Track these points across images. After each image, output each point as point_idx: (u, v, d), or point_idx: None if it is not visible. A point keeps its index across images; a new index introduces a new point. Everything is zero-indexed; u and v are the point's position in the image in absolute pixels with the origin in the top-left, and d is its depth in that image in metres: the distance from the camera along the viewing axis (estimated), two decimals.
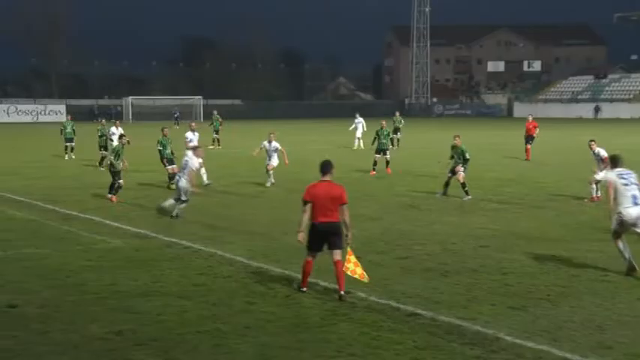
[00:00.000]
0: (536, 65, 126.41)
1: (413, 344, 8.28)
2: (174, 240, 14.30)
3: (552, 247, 13.45)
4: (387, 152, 27.57)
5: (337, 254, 10.15)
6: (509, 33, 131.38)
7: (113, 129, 29.90)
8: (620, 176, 11.59)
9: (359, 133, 40.33)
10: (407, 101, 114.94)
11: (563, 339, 8.42)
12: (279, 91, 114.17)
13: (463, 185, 19.82)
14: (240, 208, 18.58)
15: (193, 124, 26.78)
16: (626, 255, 11.37)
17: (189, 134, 25.33)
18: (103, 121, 31.94)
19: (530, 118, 35.19)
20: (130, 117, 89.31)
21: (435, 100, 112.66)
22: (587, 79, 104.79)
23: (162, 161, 22.98)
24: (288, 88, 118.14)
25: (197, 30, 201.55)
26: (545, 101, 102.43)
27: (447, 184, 20.31)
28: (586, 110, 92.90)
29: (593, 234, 14.81)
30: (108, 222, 16.46)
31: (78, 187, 23.23)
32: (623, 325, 8.95)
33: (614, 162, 12.10)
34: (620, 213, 11.31)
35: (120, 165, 20.15)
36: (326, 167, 10.49)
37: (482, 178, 24.84)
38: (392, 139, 40.64)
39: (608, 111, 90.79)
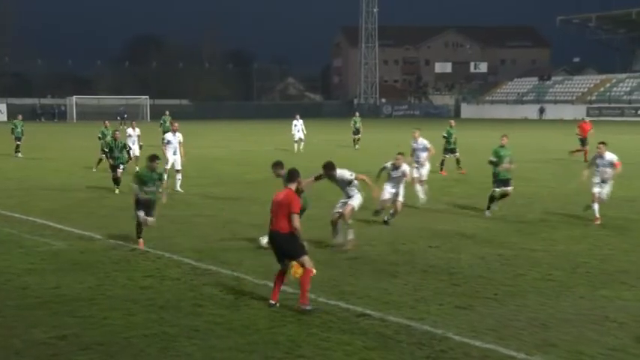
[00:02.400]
0: (483, 67, 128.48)
1: (362, 345, 8.32)
2: (120, 242, 14.09)
3: (499, 247, 13.68)
4: (457, 151, 27.27)
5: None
6: (456, 34, 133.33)
7: (130, 130, 28.21)
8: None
9: (297, 137, 38.90)
10: (356, 101, 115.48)
11: (509, 337, 8.56)
12: (227, 91, 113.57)
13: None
14: (189, 210, 18.41)
15: (176, 124, 26.54)
16: None
17: (168, 135, 24.63)
18: (107, 122, 29.43)
19: (587, 120, 34.89)
20: (74, 116, 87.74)
21: (383, 100, 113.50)
22: (532, 81, 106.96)
23: (110, 162, 22.08)
24: (237, 88, 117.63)
25: (143, 28, 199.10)
26: (492, 102, 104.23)
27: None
28: (531, 111, 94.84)
29: (539, 233, 15.10)
30: (51, 224, 16.13)
31: (22, 189, 22.72)
32: (566, 322, 9.15)
33: None
34: None
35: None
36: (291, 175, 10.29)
37: (431, 179, 25.07)
38: (353, 140, 41.01)
39: (552, 112, 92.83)
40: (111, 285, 10.98)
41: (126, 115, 70.32)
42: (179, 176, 21.70)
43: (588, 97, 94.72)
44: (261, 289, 10.64)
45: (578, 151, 32.44)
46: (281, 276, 9.88)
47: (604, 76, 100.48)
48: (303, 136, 38.43)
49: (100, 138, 28.18)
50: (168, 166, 22.02)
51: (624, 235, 14.77)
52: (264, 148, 41.91)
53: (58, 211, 18.09)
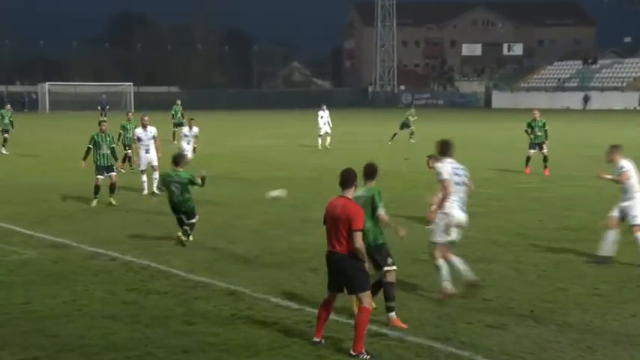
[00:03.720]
0: (518, 49, 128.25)
1: None
2: (99, 250, 14.13)
3: (536, 256, 13.64)
4: (544, 146, 26.46)
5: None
6: (486, 11, 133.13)
7: (185, 130, 27.05)
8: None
9: (323, 130, 38.01)
10: (370, 89, 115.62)
11: None
12: (222, 77, 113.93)
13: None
14: None
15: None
16: None
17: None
18: (130, 114, 28.61)
19: None
20: (47, 106, 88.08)
21: (402, 88, 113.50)
22: (575, 65, 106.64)
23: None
24: (234, 73, 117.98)
25: (126, 5, 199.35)
26: (528, 89, 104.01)
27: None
28: (574, 100, 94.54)
29: (584, 241, 15.05)
30: (20, 229, 16.20)
31: None
32: (615, 345, 9.12)
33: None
34: None
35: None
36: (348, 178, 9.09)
37: None
38: (394, 134, 40.81)
39: (598, 101, 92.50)
40: (88, 300, 11.01)
41: (108, 106, 70.42)
42: (156, 175, 21.45)
43: None
44: (261, 304, 10.64)
45: None
46: (327, 306, 9.20)
47: None
48: (329, 130, 38.11)
49: (120, 135, 26.71)
50: (143, 167, 21.96)
51: None
52: (265, 142, 41.95)
53: (27, 215, 18.14)
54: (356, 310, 9.15)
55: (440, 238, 11.12)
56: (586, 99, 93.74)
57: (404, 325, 9.71)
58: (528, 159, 26.69)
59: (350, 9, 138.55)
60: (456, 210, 11.02)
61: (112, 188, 19.76)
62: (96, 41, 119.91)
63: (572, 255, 13.79)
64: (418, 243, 14.72)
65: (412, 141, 40.06)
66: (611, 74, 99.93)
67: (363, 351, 8.72)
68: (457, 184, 11.09)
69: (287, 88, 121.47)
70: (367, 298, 8.90)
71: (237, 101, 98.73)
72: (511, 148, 35.42)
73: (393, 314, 9.90)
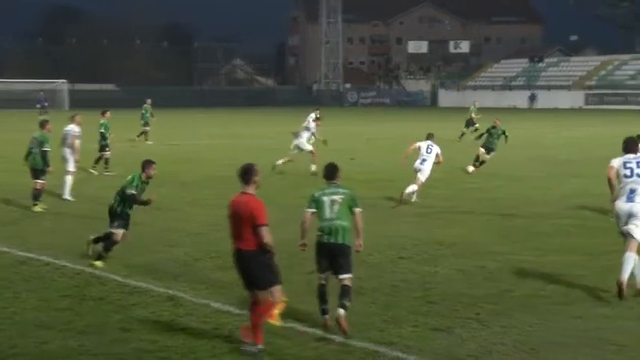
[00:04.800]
0: (464, 46, 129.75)
1: None
2: (31, 255, 13.93)
3: (482, 258, 13.84)
4: (492, 154, 27.23)
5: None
6: (433, 8, 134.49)
7: (309, 124, 26.88)
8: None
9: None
10: (315, 87, 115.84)
11: None
12: (162, 74, 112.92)
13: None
14: None
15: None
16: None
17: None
18: (108, 113, 27.91)
19: None
20: None
21: (348, 86, 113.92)
22: (522, 63, 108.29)
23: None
24: (174, 70, 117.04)
25: None
26: (475, 88, 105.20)
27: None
28: (520, 98, 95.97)
29: (528, 241, 15.32)
30: None
31: None
32: (559, 346, 9.30)
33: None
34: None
35: None
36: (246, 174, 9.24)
37: (403, 179, 25.28)
38: (463, 133, 40.35)
39: (545, 99, 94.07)
40: (20, 307, 10.85)
41: (46, 104, 69.19)
42: (69, 179, 20.66)
43: (587, 82, 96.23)
44: (201, 310, 10.62)
45: None
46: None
47: (605, 58, 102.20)
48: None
49: (102, 134, 26.80)
50: (72, 169, 21.02)
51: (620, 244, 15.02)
52: (206, 142, 41.75)
53: None
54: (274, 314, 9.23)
55: None
56: (532, 98, 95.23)
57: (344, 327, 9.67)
58: (478, 158, 27.15)
59: (293, 4, 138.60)
60: None
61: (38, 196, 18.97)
62: (28, 35, 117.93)
63: (518, 256, 14.02)
64: (366, 244, 14.82)
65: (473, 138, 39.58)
66: (557, 73, 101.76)
67: (259, 344, 8.96)
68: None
69: (229, 86, 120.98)
70: (275, 293, 9.08)
71: (178, 99, 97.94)
72: (458, 148, 35.82)
73: (327, 316, 9.89)
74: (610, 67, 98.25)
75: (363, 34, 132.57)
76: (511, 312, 10.64)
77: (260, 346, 9.00)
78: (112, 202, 13.70)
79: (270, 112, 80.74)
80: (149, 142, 38.91)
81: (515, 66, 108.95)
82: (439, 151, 20.61)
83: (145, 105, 41.37)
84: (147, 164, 13.70)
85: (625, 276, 11.09)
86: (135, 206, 13.77)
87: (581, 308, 10.79)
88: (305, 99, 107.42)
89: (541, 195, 21.69)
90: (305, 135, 26.79)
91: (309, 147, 26.59)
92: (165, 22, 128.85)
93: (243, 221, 9.03)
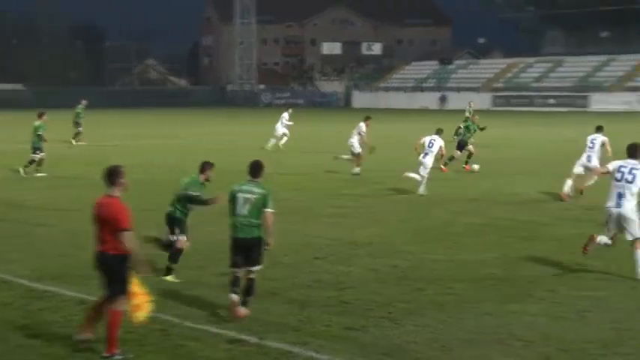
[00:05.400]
0: (377, 48, 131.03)
1: None
2: None
3: (395, 257, 13.97)
4: (465, 149, 28.19)
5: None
6: (346, 10, 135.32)
7: (361, 128, 26.95)
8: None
9: (280, 131, 37.22)
10: (229, 88, 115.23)
11: None
12: (73, 73, 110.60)
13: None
14: (26, 218, 17.80)
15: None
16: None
17: None
18: (45, 116, 27.03)
19: None
20: None
21: (262, 86, 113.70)
22: (432, 65, 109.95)
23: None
24: (85, 70, 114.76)
25: None
26: (387, 89, 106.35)
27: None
28: (432, 100, 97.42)
29: (441, 240, 15.54)
30: None
31: None
32: (469, 343, 9.45)
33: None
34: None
35: None
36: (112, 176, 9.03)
37: (319, 179, 25.41)
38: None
39: (455, 101, 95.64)
40: None
41: None
42: None
43: (494, 85, 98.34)
44: None
45: None
46: (98, 308, 9.09)
47: (511, 60, 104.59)
48: (287, 131, 37.40)
49: (40, 136, 26.36)
50: None
51: (534, 241, 15.42)
52: (118, 142, 41.07)
53: None
54: (136, 317, 9.07)
55: None
56: (443, 99, 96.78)
57: (241, 315, 10.06)
58: (452, 158, 27.94)
59: (207, 4, 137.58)
60: None
61: None
62: None
63: (431, 255, 14.19)
64: (278, 244, 14.80)
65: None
66: (466, 75, 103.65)
67: (116, 351, 8.80)
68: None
69: (142, 87, 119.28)
70: (122, 302, 8.88)
71: (89, 100, 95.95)
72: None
73: (235, 295, 10.23)
74: (516, 70, 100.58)
75: (277, 34, 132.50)
76: (424, 310, 10.76)
77: (118, 354, 8.79)
78: (171, 208, 12.78)
79: (183, 113, 79.94)
80: (81, 143, 38.50)
81: (426, 68, 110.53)
82: (442, 144, 22.46)
83: (80, 106, 40.83)
84: (207, 166, 12.93)
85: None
86: None
87: (491, 305, 10.98)
88: (219, 100, 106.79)
89: (454, 194, 22.02)
90: (356, 137, 27.00)
91: (359, 149, 26.79)
92: (77, 21, 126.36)
93: (105, 224, 8.84)
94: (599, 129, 22.04)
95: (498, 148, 36.54)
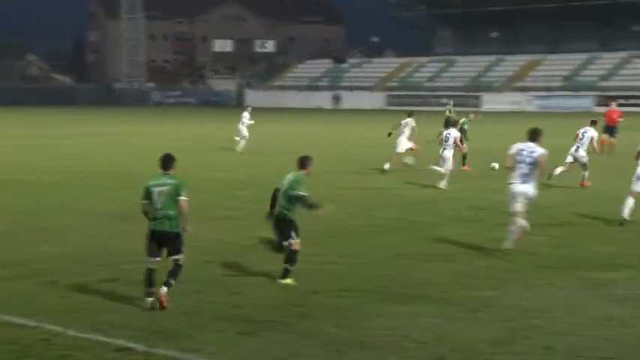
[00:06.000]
0: (270, 45, 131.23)
1: None
2: None
3: None
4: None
5: None
6: (237, 6, 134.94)
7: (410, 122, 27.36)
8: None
9: (245, 130, 36.24)
10: (117, 86, 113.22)
11: None
12: None
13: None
14: None
15: None
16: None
17: None
18: None
19: (614, 106, 38.21)
20: None
21: (151, 85, 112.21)
22: (326, 64, 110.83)
23: None
24: None
25: None
26: (281, 88, 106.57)
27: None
28: (326, 99, 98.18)
29: (332, 242, 15.62)
30: None
31: None
32: (364, 346, 9.51)
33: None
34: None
35: None
36: None
37: (210, 180, 25.17)
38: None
39: (349, 100, 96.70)
40: None
41: None
42: None
43: (388, 84, 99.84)
44: None
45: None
46: None
47: (404, 60, 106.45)
48: (246, 133, 36.15)
49: None
50: None
51: (426, 242, 15.66)
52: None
53: None
54: None
55: None
56: (336, 98, 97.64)
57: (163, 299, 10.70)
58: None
59: None
60: None
61: None
62: None
63: (321, 257, 14.21)
64: None
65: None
66: (360, 74, 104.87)
67: None
68: None
69: (23, 84, 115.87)
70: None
71: None
72: (266, 149, 36.13)
73: (165, 290, 10.79)
74: (409, 69, 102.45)
75: (166, 31, 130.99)
76: (317, 314, 10.78)
77: None
78: (280, 210, 12.56)
79: (68, 112, 78.07)
80: None
81: (319, 66, 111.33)
82: (457, 136, 23.67)
83: None
84: (307, 161, 12.73)
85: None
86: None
87: (385, 307, 11.08)
88: (107, 98, 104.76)
89: (341, 195, 22.14)
90: (406, 133, 27.22)
91: (409, 144, 27.04)
92: None
93: None
94: (593, 123, 24.47)
95: (388, 148, 36.96)
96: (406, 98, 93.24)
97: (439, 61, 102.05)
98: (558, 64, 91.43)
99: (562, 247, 15.05)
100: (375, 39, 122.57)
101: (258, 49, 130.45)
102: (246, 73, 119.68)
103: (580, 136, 23.76)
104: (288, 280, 12.31)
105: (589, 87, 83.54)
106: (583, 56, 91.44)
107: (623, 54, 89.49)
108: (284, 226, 12.53)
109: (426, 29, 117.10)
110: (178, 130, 51.87)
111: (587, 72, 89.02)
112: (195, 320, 10.40)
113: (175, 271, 10.99)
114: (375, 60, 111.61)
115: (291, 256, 12.44)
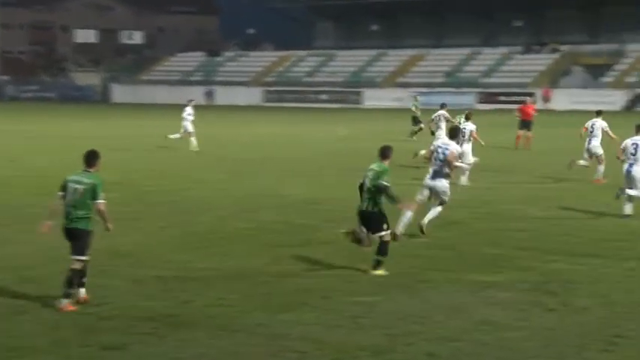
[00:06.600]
0: (137, 37, 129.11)
1: None
2: None
3: (160, 267, 13.86)
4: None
5: None
6: None
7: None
8: None
9: (190, 126, 35.46)
10: None
11: None
12: None
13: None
14: None
15: None
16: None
17: None
18: None
19: (529, 101, 39.83)
20: None
21: (6, 78, 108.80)
22: (199, 57, 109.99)
23: None
24: None
25: None
26: (150, 82, 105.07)
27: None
28: (199, 94, 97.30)
29: (208, 247, 15.60)
30: None
31: None
32: (239, 357, 9.61)
33: None
34: None
35: None
36: None
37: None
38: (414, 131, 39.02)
39: (223, 96, 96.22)
40: None
41: None
42: None
43: (265, 79, 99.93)
44: None
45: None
46: None
47: (282, 53, 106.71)
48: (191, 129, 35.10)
49: None
50: None
51: (307, 246, 15.83)
52: None
53: None
54: None
55: None
56: (209, 94, 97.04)
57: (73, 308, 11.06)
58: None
59: None
60: None
61: None
62: None
63: (196, 264, 14.18)
64: (27, 256, 14.27)
65: (414, 138, 37.98)
66: (236, 68, 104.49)
67: None
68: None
69: None
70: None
71: None
72: (137, 149, 35.65)
73: (66, 301, 11.11)
74: (287, 64, 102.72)
75: (22, 19, 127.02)
76: (192, 324, 10.77)
77: None
78: (367, 203, 13.20)
79: None
80: None
81: (192, 60, 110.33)
82: (472, 129, 24.40)
83: None
84: (389, 150, 13.50)
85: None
86: None
87: (263, 316, 11.16)
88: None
89: (220, 198, 22.12)
90: (443, 126, 27.85)
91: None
92: None
93: None
94: (598, 113, 25.79)
95: (266, 147, 37.19)
96: (284, 94, 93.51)
97: (319, 55, 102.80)
98: (441, 60, 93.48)
99: (447, 248, 15.48)
100: (252, 31, 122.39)
101: (124, 41, 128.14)
102: (111, 66, 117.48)
103: (590, 128, 25.06)
104: (380, 271, 13.17)
105: (471, 83, 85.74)
106: (465, 51, 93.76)
107: (504, 50, 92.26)
108: (373, 219, 13.18)
109: (305, 21, 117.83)
110: (40, 128, 50.48)
111: (469, 68, 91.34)
112: (57, 335, 10.23)
113: (72, 275, 11.25)
114: (252, 53, 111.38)
115: (383, 248, 13.25)
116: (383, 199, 13.24)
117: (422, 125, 38.41)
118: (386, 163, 13.31)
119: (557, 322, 10.96)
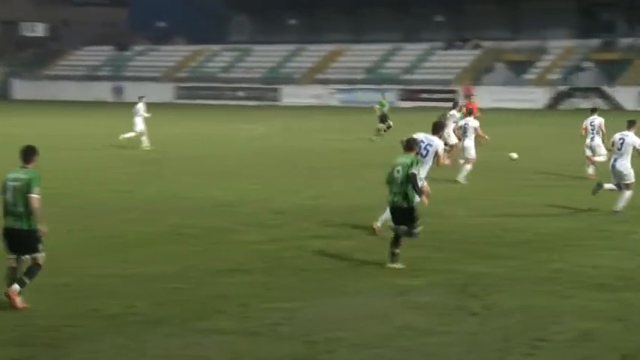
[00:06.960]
0: (40, 29, 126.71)
1: None
2: None
3: (62, 274, 13.53)
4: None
5: None
6: None
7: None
8: None
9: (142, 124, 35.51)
10: None
11: None
12: None
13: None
14: None
15: None
16: None
17: None
18: None
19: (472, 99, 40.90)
20: None
21: None
22: (107, 51, 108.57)
23: None
24: None
25: None
26: (55, 78, 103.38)
27: None
28: (107, 91, 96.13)
29: (113, 253, 15.35)
30: None
31: None
32: None
33: None
34: None
35: None
36: None
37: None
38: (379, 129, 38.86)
39: (132, 92, 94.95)
40: None
41: None
42: None
43: (177, 74, 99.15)
44: None
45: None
46: None
47: (196, 48, 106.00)
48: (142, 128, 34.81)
49: None
50: None
51: (220, 250, 15.73)
52: None
53: None
54: None
55: None
56: (118, 90, 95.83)
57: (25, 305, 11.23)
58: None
59: None
60: None
61: None
62: None
63: (102, 270, 13.94)
64: None
65: (374, 138, 38.15)
66: (146, 63, 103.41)
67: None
68: None
69: None
70: None
71: None
72: (43, 148, 34.84)
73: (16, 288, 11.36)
74: (201, 59, 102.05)
75: None
76: (99, 334, 10.57)
77: None
78: (397, 197, 13.88)
79: None
80: None
81: (99, 54, 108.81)
82: (475, 126, 25.04)
83: None
84: (414, 142, 14.41)
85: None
86: None
87: (176, 325, 11.01)
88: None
89: (124, 200, 21.79)
90: (452, 125, 27.83)
91: (454, 139, 27.30)
92: None
93: None
94: (593, 111, 26.82)
95: (176, 146, 36.84)
96: (198, 90, 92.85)
97: (234, 50, 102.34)
98: (361, 55, 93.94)
99: (369, 252, 15.43)
100: (162, 24, 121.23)
101: (26, 33, 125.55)
102: (12, 60, 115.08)
103: (590, 126, 26.00)
104: (397, 265, 13.87)
105: (392, 80, 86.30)
106: (386, 47, 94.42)
107: (425, 45, 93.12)
108: (407, 214, 13.93)
109: (220, 14, 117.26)
110: None
111: (390, 64, 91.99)
112: None
113: (32, 270, 11.49)
114: (163, 48, 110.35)
115: (397, 240, 13.98)
116: (412, 192, 13.89)
117: (390, 122, 39.46)
118: (412, 155, 14.24)
119: (480, 326, 11.08)
